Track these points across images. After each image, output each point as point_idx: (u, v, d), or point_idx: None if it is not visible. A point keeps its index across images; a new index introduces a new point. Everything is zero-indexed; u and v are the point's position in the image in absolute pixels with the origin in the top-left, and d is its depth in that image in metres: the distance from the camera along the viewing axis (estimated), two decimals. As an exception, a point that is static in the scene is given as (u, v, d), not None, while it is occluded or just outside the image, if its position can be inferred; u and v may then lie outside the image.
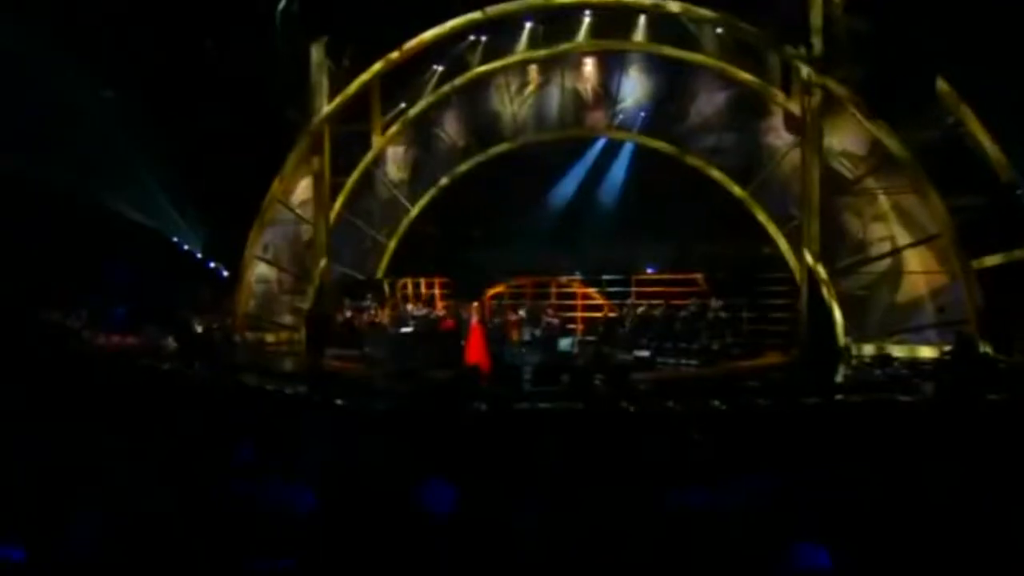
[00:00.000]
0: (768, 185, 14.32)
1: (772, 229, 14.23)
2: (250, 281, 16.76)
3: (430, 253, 17.26)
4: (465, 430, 5.78)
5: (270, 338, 16.56)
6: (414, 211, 17.89)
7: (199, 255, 18.66)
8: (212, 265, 18.81)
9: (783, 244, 14.05)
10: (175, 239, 18.29)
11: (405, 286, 16.78)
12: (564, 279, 16.23)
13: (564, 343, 13.18)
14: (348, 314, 15.10)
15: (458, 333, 12.88)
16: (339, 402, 7.31)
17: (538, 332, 13.19)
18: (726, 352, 12.80)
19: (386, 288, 16.77)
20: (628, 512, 3.59)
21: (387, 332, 13.60)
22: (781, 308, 13.98)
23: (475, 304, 12.70)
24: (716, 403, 6.73)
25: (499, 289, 16.26)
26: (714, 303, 13.27)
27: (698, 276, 14.28)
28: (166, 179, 17.41)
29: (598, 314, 15.21)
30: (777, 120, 14.30)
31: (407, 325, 13.57)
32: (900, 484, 4.05)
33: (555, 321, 13.47)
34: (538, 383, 9.54)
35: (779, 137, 14.33)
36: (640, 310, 13.93)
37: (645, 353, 12.70)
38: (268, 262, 16.93)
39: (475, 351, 11.75)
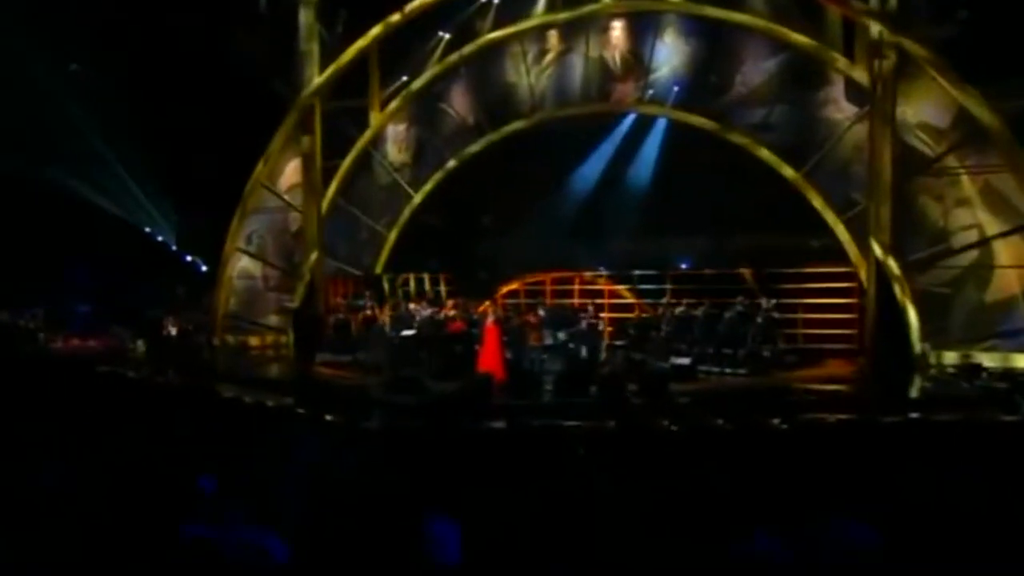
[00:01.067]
0: (825, 165, 13.99)
1: (830, 217, 13.95)
2: (231, 276, 16.78)
3: (435, 246, 17.32)
4: (476, 454, 5.46)
5: (254, 341, 16.65)
6: (417, 198, 17.99)
7: (173, 247, 19.41)
8: (188, 259, 19.42)
9: (843, 234, 13.75)
10: (146, 229, 18.92)
11: (407, 283, 16.77)
12: (588, 274, 15.98)
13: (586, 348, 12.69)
14: (341, 315, 15.08)
15: (468, 336, 12.55)
16: (328, 417, 7.14)
17: (564, 335, 12.60)
18: (779, 360, 12.46)
19: (385, 285, 16.71)
20: (674, 567, 3.28)
21: (386, 335, 13.28)
22: (843, 308, 13.64)
23: (487, 304, 12.74)
24: (772, 420, 6.45)
25: (514, 286, 16.19)
26: (765, 303, 12.84)
27: (745, 271, 13.92)
28: (136, 161, 17.65)
29: (629, 315, 14.79)
30: (837, 90, 13.98)
31: (409, 327, 13.23)
32: (1009, 529, 3.71)
33: (590, 321, 12.92)
34: (562, 395, 9.50)
35: (839, 110, 14.02)
36: (678, 310, 13.42)
37: (684, 361, 12.27)
38: (252, 255, 16.97)
39: (488, 357, 11.52)
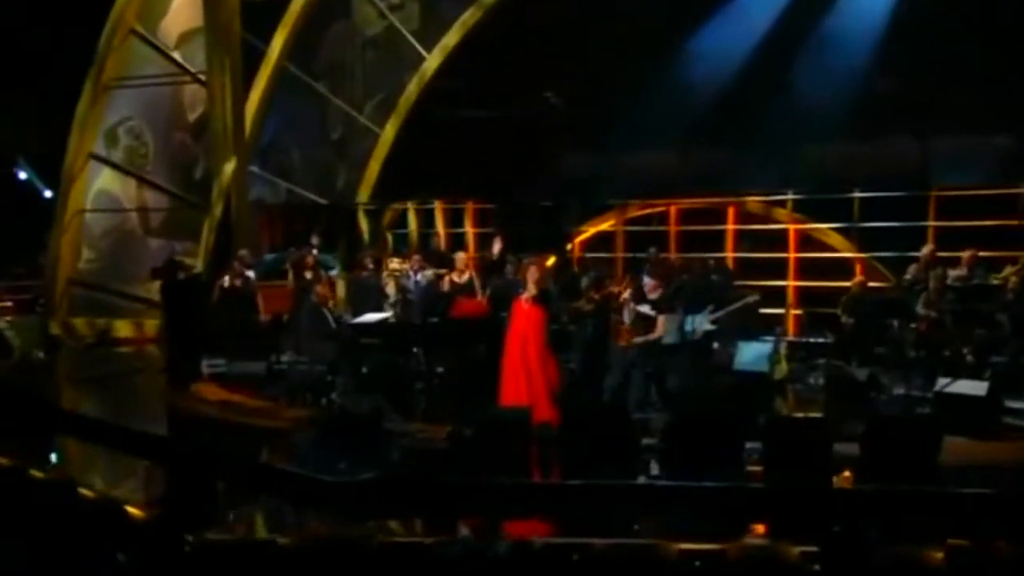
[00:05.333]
0: None
1: None
2: (82, 208, 16.75)
3: (462, 151, 16.57)
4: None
5: (122, 330, 16.53)
6: (432, 60, 17.81)
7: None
8: (22, 176, 18.90)
9: None
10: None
11: (403, 219, 17.04)
12: (755, 200, 15.62)
13: (753, 351, 12.25)
14: (247, 277, 14.28)
15: (494, 327, 11.66)
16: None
17: (701, 323, 12.06)
18: None
19: (363, 224, 17.08)
20: None
21: (328, 322, 12.60)
22: None
23: (537, 261, 11.49)
24: None
25: (606, 224, 16.47)
26: None
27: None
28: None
29: (841, 283, 13.88)
30: None
31: (377, 308, 12.85)
32: None
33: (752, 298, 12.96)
34: (693, 468, 8.78)
35: None
36: (955, 273, 12.48)
37: (977, 388, 10.67)
38: (117, 167, 16.89)
39: (514, 373, 10.53)
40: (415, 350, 12.81)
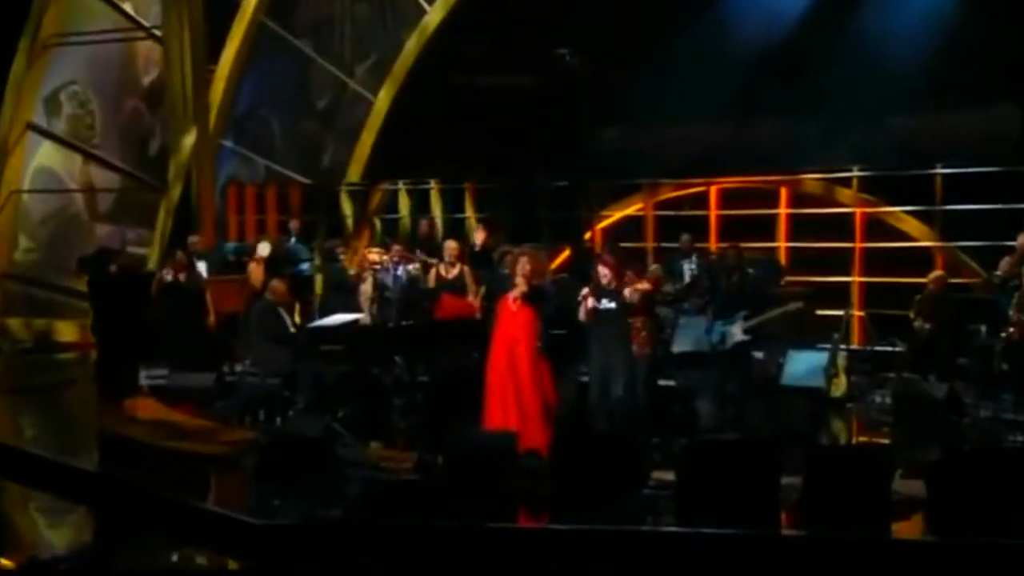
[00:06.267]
0: None
1: None
2: (19, 185, 16.78)
3: (464, 123, 16.64)
4: None
5: (65, 331, 16.51)
6: (434, 14, 17.83)
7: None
8: None
9: None
10: None
11: (394, 202, 17.40)
12: (812, 178, 15.52)
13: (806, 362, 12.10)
14: (194, 270, 13.94)
15: (485, 330, 11.11)
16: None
17: (739, 328, 11.89)
18: None
19: (346, 207, 17.31)
20: None
21: (281, 325, 12.16)
22: None
23: (530, 252, 11.12)
24: None
25: (635, 207, 16.38)
26: None
27: None
28: None
29: (917, 279, 13.28)
30: None
31: (352, 306, 12.74)
32: None
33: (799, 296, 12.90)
34: (714, 510, 8.13)
35: None
36: None
37: None
38: (60, 140, 16.80)
39: (504, 389, 10.07)
40: (397, 359, 12.59)
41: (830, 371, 11.76)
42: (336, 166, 18.11)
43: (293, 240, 15.18)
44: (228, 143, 16.59)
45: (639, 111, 16.54)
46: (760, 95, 15.83)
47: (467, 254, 13.24)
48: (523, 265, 10.20)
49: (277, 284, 12.35)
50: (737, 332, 11.79)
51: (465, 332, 11.90)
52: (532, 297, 10.17)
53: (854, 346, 13.38)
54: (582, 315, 10.45)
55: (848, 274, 14.79)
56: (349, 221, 17.43)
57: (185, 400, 12.29)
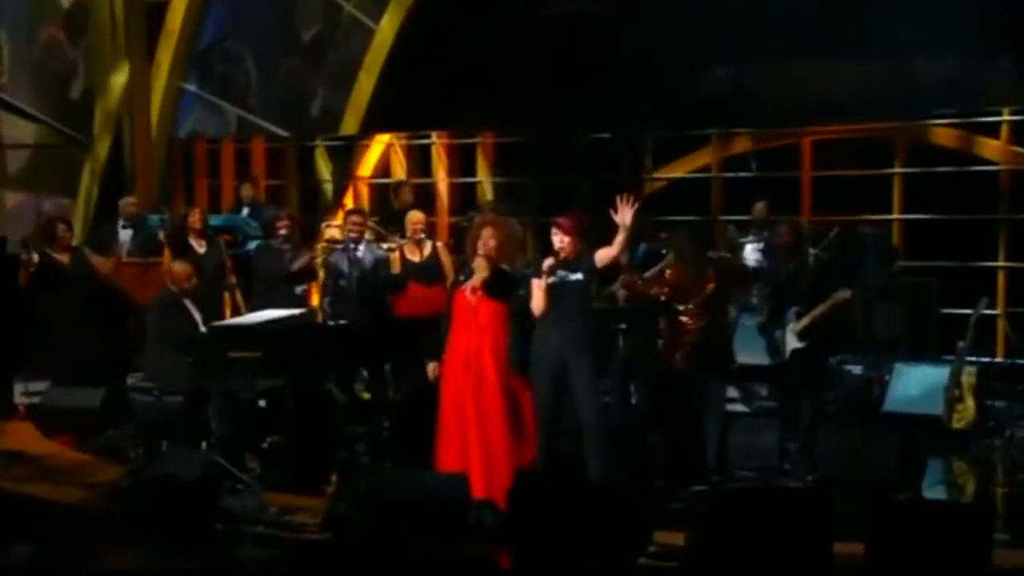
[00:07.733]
0: None
1: None
2: None
3: (483, 61, 15.89)
4: None
5: None
6: None
7: None
8: None
9: None
10: None
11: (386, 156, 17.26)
12: (944, 124, 14.50)
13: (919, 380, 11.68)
14: (78, 250, 13.08)
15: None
16: None
17: (795, 332, 11.21)
18: None
19: (323, 166, 17.33)
20: None
21: (188, 322, 11.30)
22: None
23: (495, 220, 10.04)
24: None
25: (693, 167, 15.89)
26: None
27: None
28: None
29: None
30: None
31: (295, 298, 12.51)
32: None
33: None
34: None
35: None
36: None
37: None
38: None
39: (461, 415, 9.17)
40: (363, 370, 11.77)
41: (952, 392, 10.48)
42: (328, 115, 17.22)
43: (246, 211, 14.31)
44: (190, 86, 15.99)
45: (703, 43, 14.96)
46: (864, 27, 14.20)
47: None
48: (485, 240, 8.80)
49: (178, 267, 11.00)
50: (790, 337, 10.64)
51: (427, 334, 9.82)
52: (496, 287, 8.69)
53: (995, 359, 12.11)
54: (534, 305, 9.01)
55: (989, 257, 13.12)
56: (327, 187, 16.82)
57: (70, 425, 11.05)
